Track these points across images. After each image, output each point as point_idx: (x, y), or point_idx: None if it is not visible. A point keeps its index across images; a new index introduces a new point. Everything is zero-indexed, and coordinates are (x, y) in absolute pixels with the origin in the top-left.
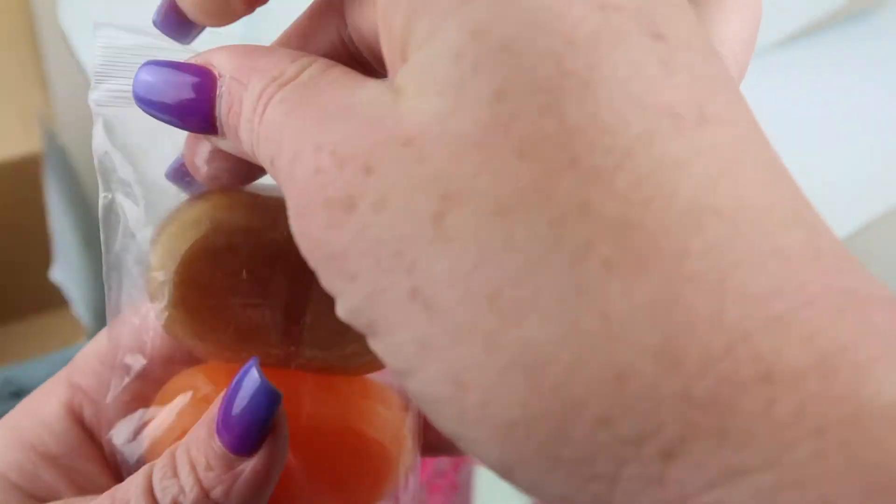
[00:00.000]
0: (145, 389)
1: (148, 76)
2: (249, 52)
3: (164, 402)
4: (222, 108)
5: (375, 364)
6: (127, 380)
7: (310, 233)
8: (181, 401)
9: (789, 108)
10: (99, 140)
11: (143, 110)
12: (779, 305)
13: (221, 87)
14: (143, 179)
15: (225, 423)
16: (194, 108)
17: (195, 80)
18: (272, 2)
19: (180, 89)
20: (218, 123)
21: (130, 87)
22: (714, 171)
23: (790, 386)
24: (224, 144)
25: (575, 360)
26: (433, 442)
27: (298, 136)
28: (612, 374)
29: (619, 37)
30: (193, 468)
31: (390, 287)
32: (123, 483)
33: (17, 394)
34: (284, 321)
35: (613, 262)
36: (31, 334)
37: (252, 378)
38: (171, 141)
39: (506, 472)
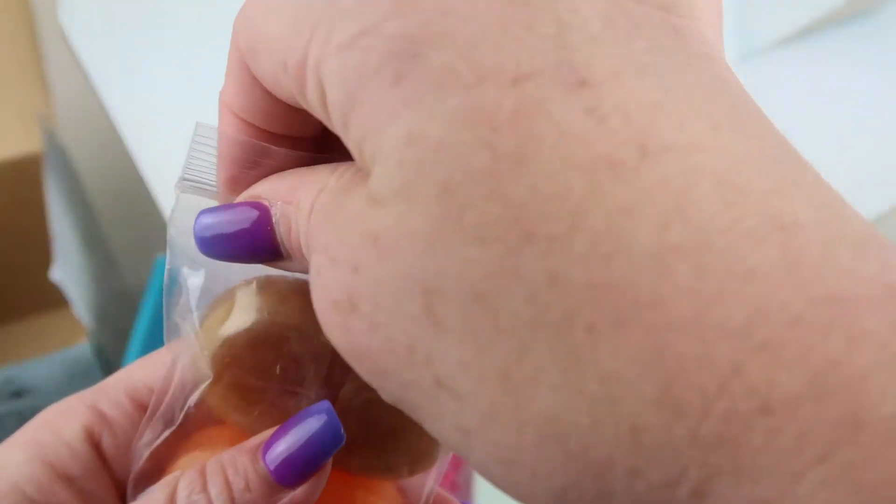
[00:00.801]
0: (176, 444)
1: (207, 220)
2: (294, 175)
3: (187, 452)
4: (282, 233)
5: (396, 476)
6: (164, 432)
7: (334, 336)
8: (202, 457)
9: (789, 108)
10: (178, 216)
11: (209, 254)
12: (763, 332)
13: (276, 214)
14: (207, 261)
15: (281, 454)
16: (255, 240)
17: (250, 214)
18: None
19: (239, 226)
20: (282, 248)
21: (214, 183)
22: (668, 207)
23: (789, 414)
24: (294, 267)
25: (592, 423)
26: None
27: (316, 242)
28: (627, 429)
29: (538, 104)
30: (228, 486)
31: (417, 379)
32: (140, 499)
33: (18, 394)
34: None
35: (595, 326)
36: (31, 334)
37: (325, 417)
38: None
39: None
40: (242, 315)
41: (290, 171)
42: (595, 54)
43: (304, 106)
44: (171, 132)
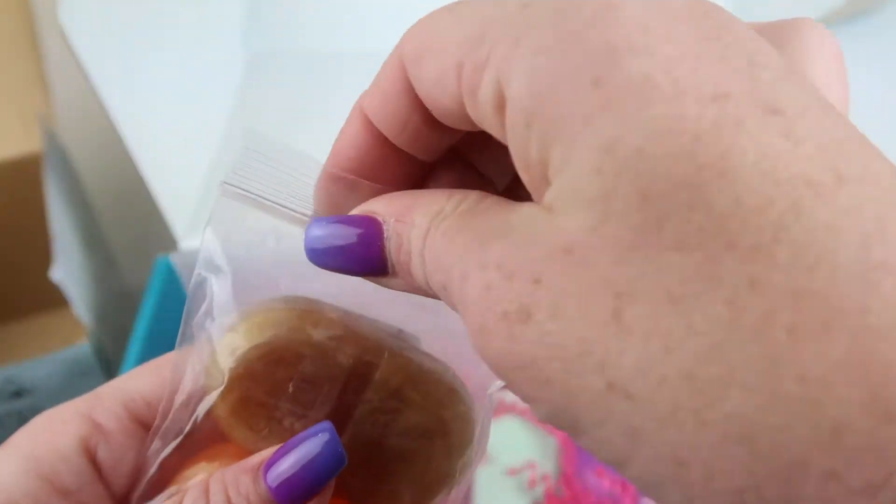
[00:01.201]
0: (182, 456)
1: (318, 231)
2: (406, 195)
3: (193, 465)
4: (392, 249)
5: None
6: (172, 442)
7: (493, 347)
8: (209, 468)
9: None
10: (215, 220)
11: (317, 263)
12: None
13: (388, 230)
14: (235, 272)
15: (282, 474)
16: (366, 254)
17: (363, 228)
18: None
19: (350, 239)
20: (389, 265)
21: (259, 193)
22: (869, 228)
23: None
24: (395, 284)
25: (786, 423)
26: None
27: (463, 258)
28: (828, 430)
29: (738, 122)
30: (229, 502)
31: (586, 386)
32: None
33: (18, 393)
34: None
35: (797, 328)
36: (31, 334)
37: (327, 437)
38: (276, 235)
39: None
40: (262, 328)
41: (403, 192)
42: (784, 90)
43: (467, 107)
44: (171, 132)
